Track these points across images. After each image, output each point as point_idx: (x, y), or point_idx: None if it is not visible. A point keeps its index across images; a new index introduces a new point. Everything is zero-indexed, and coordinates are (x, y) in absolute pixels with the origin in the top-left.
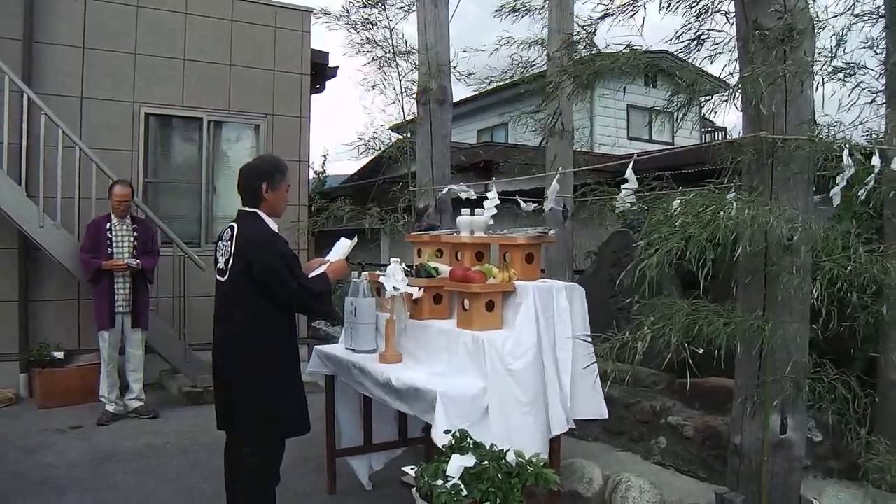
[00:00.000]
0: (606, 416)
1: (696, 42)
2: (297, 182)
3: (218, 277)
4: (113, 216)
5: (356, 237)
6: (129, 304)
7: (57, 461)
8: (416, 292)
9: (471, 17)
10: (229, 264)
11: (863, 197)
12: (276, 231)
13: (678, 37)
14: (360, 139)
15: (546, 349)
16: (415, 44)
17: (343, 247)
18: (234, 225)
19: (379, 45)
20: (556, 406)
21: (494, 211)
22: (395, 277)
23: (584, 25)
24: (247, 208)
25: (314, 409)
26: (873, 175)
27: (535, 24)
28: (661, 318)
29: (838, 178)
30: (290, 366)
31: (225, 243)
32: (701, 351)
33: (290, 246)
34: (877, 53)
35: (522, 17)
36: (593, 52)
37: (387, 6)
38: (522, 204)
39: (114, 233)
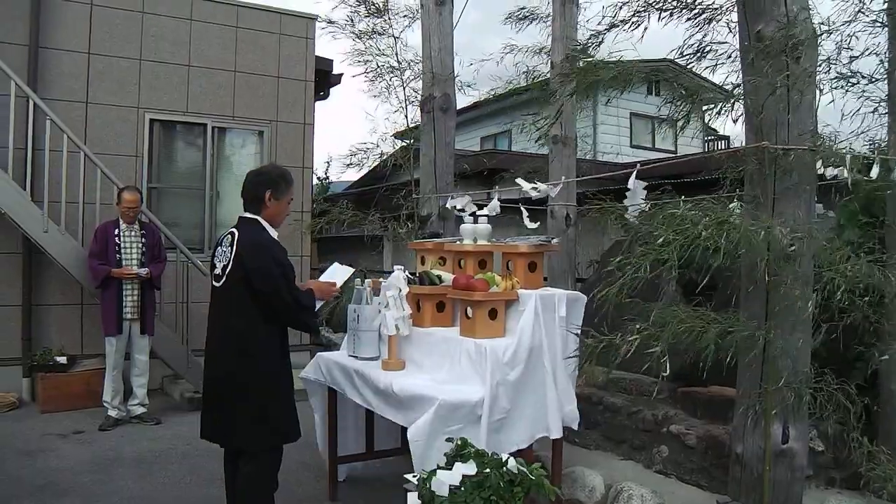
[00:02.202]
0: (576, 425)
1: (698, 54)
2: (301, 188)
3: (214, 283)
4: (121, 222)
5: (352, 268)
6: (138, 310)
7: (59, 466)
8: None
9: (473, 24)
10: (227, 270)
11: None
12: (276, 240)
13: (681, 52)
14: (353, 154)
15: (546, 357)
16: (419, 52)
17: (338, 273)
18: (235, 231)
19: (383, 54)
20: (554, 411)
21: (497, 210)
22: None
23: (588, 38)
24: (248, 214)
25: (303, 415)
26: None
27: (541, 33)
28: (653, 324)
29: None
30: (285, 373)
31: (224, 249)
32: (667, 372)
33: (288, 255)
34: (882, 62)
35: (527, 25)
36: (594, 61)
37: (391, 15)
38: (527, 223)
39: (122, 239)
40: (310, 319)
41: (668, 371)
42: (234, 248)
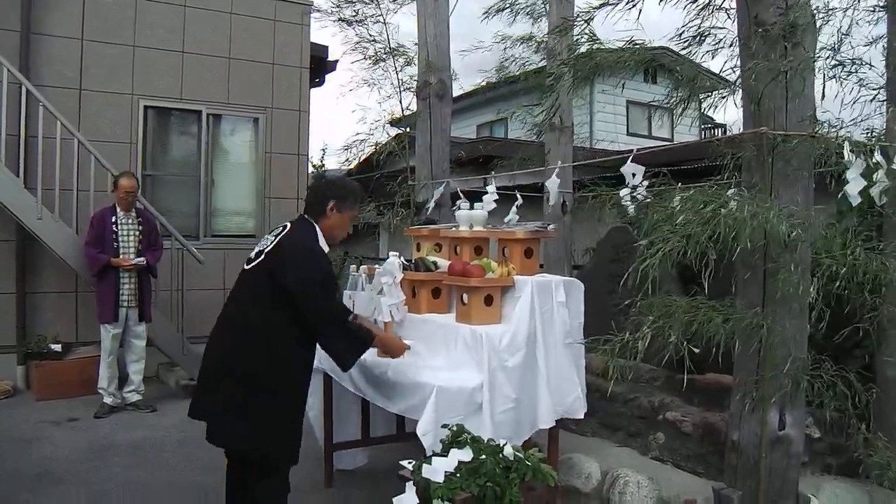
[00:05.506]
0: (581, 416)
1: (697, 39)
2: (297, 176)
3: (245, 265)
4: (118, 209)
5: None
6: (136, 297)
7: (54, 453)
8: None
9: (471, 13)
10: (262, 256)
11: (878, 197)
12: (325, 252)
13: (679, 34)
14: (348, 148)
15: (540, 344)
16: (410, 37)
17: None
18: (288, 224)
19: (374, 41)
20: (544, 400)
21: (494, 205)
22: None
23: (580, 14)
24: (307, 216)
25: None
26: (882, 171)
27: (525, 20)
28: (661, 316)
29: (848, 175)
30: (306, 380)
31: (269, 237)
32: (697, 351)
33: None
34: (884, 49)
35: (516, 15)
36: (593, 47)
37: (379, 1)
38: (513, 217)
39: (120, 227)
40: (345, 353)
41: (697, 350)
42: (279, 238)
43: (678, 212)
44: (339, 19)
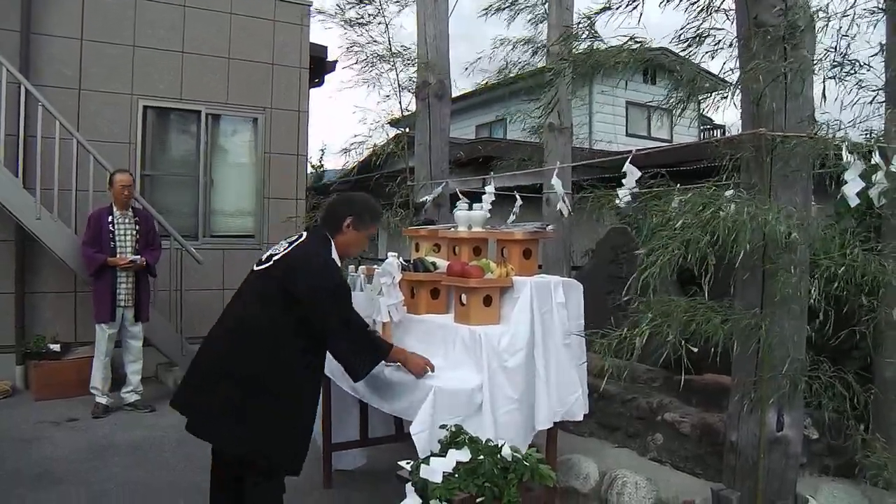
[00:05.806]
0: (580, 417)
1: (696, 39)
2: (296, 176)
3: (255, 266)
4: (115, 208)
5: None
6: (132, 297)
7: (54, 454)
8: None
9: (470, 14)
10: (272, 261)
11: (877, 199)
12: (338, 265)
13: (679, 35)
14: (347, 151)
15: (539, 345)
16: (411, 37)
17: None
18: (304, 234)
19: (375, 41)
20: (543, 402)
21: (491, 206)
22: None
23: (582, 17)
24: (323, 229)
25: None
26: (881, 173)
27: (534, 21)
28: (660, 315)
29: (847, 176)
30: (312, 387)
31: (283, 243)
32: (696, 351)
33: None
34: (882, 51)
35: (516, 15)
36: (593, 45)
37: (381, 1)
38: (511, 217)
39: (116, 226)
40: (356, 362)
41: (695, 350)
42: (293, 247)
43: (677, 216)
44: (341, 20)
